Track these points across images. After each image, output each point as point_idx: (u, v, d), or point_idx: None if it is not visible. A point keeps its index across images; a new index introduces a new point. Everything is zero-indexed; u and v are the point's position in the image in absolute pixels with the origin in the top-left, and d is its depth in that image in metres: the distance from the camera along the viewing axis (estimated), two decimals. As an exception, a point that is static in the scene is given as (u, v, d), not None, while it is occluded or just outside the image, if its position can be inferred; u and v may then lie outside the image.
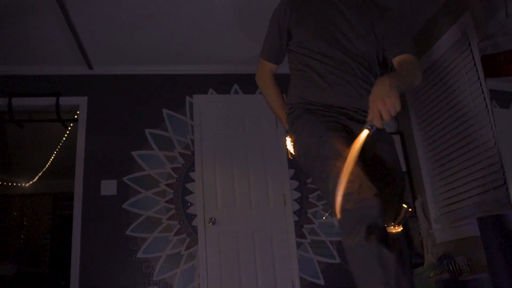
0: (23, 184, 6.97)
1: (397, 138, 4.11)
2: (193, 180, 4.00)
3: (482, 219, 2.81)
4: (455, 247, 3.40)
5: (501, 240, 2.70)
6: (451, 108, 3.50)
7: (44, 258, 7.06)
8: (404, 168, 4.02)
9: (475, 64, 3.18)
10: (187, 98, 4.25)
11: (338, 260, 3.95)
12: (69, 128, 4.64)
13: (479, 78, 3.11)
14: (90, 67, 4.16)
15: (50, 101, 4.08)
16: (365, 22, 1.82)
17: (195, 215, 3.90)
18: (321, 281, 3.87)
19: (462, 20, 3.26)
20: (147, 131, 4.10)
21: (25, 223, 7.26)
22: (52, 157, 5.83)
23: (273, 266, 3.88)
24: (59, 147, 5.51)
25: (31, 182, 6.88)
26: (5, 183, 6.78)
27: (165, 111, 4.17)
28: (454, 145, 3.48)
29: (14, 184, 6.95)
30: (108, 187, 3.91)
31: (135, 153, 4.03)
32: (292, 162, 4.16)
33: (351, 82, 1.74)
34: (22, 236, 7.10)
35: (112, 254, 3.74)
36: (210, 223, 3.86)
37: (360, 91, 1.74)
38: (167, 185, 3.96)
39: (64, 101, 4.11)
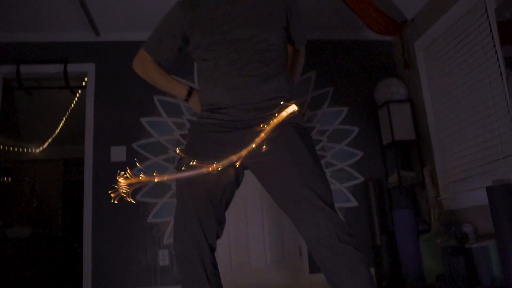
0: (34, 150, 7.04)
1: (406, 106, 4.06)
2: (202, 147, 4.01)
3: (491, 188, 2.81)
4: (462, 215, 3.42)
5: (509, 209, 2.71)
6: (464, 75, 3.44)
7: (56, 221, 7.22)
8: (413, 136, 4.00)
9: (491, 30, 3.10)
10: (195, 63, 4.20)
11: (345, 227, 3.99)
12: (77, 94, 4.64)
13: (494, 46, 3.04)
14: (97, 34, 4.12)
15: (58, 68, 4.06)
16: (267, 10, 1.72)
17: (204, 182, 3.93)
18: (328, 247, 3.93)
19: (479, -16, 3.16)
20: (155, 97, 4.09)
21: (36, 188, 7.37)
22: (61, 124, 5.86)
23: (281, 231, 3.94)
24: (67, 113, 5.52)
25: (41, 148, 6.94)
26: (15, 149, 6.85)
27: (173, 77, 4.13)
28: (465, 113, 3.44)
29: (25, 150, 7.02)
30: (118, 154, 3.94)
31: (143, 120, 4.04)
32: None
33: (246, 77, 1.63)
34: (35, 201, 7.23)
35: (123, 219, 3.81)
36: (219, 190, 3.89)
37: (257, 84, 1.64)
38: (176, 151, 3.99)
39: (72, 68, 4.09)
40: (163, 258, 3.75)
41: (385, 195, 4.03)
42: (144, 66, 1.91)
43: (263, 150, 1.41)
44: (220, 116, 1.65)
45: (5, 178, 6.71)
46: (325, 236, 1.44)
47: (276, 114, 1.42)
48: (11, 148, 6.64)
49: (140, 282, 3.70)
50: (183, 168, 1.49)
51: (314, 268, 3.85)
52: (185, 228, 1.57)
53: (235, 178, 1.65)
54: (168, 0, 3.60)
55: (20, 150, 6.95)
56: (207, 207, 1.58)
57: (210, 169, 1.41)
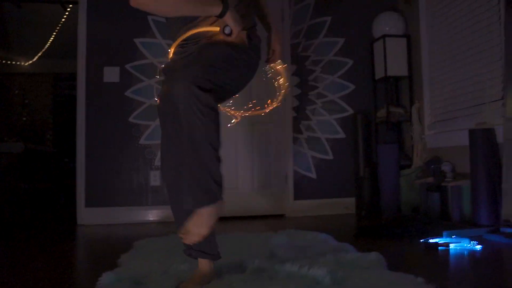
0: (23, 63, 6.93)
1: (403, 41, 4.04)
2: (195, 72, 4.00)
3: (474, 131, 2.93)
4: (443, 154, 3.57)
5: (487, 152, 2.84)
6: (463, 15, 3.40)
7: (48, 136, 7.31)
8: (406, 73, 4.04)
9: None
10: None
11: (331, 157, 4.15)
12: (68, 9, 4.50)
13: (496, -14, 2.99)
14: None
15: (48, -20, 3.91)
16: None
17: (196, 107, 3.98)
18: (313, 175, 4.11)
19: None
20: (150, 18, 3.99)
21: (26, 101, 7.36)
22: (51, 38, 5.72)
23: (269, 158, 4.09)
24: (58, 28, 5.38)
25: (30, 62, 6.83)
26: (3, 61, 6.73)
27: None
28: (460, 54, 3.46)
29: (14, 62, 6.90)
30: (111, 74, 3.93)
31: (137, 40, 3.98)
32: (295, 58, 4.14)
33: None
34: (25, 114, 7.25)
35: (116, 140, 3.90)
36: (211, 116, 3.96)
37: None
38: (169, 75, 3.98)
39: (63, -19, 3.94)
40: (155, 178, 3.90)
41: (372, 128, 4.14)
42: None
43: None
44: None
45: (-6, 90, 6.68)
46: None
47: None
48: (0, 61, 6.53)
49: (132, 201, 3.87)
50: None
51: (298, 195, 4.05)
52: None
53: None
54: None
55: (9, 62, 6.83)
56: None
57: None
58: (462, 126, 3.31)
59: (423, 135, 3.84)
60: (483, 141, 2.85)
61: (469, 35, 3.34)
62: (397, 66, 4.02)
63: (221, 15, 1.51)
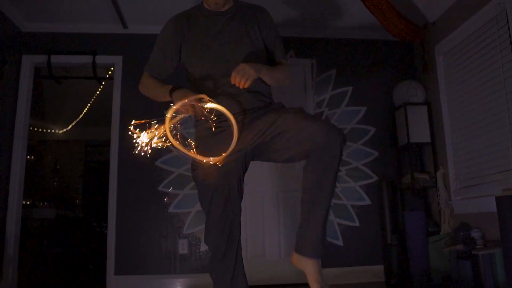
0: (57, 131, 7.28)
1: (424, 109, 4.15)
2: (222, 141, 4.16)
3: (501, 198, 2.93)
4: (472, 220, 3.54)
5: (517, 221, 2.82)
6: (482, 83, 3.51)
7: (77, 202, 7.50)
8: (428, 139, 4.10)
9: (511, 42, 3.17)
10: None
11: (357, 223, 4.15)
12: (103, 83, 4.80)
13: (513, 58, 3.11)
14: (125, 26, 4.25)
15: (86, 59, 4.22)
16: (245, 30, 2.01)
17: (223, 175, 4.10)
18: (340, 242, 4.10)
19: (502, -4, 3.20)
20: (179, 91, 4.22)
21: (58, 167, 7.64)
22: (86, 109, 6.05)
23: (295, 225, 4.08)
24: (92, 100, 5.70)
25: (64, 130, 7.18)
26: (40, 130, 7.09)
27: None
28: (481, 121, 3.53)
29: (49, 130, 7.27)
30: (142, 145, 4.10)
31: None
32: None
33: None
34: (56, 179, 7.50)
35: (146, 208, 4.01)
36: (238, 183, 4.06)
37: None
38: (198, 145, 4.14)
39: (100, 59, 4.25)
40: (183, 247, 3.95)
41: (397, 195, 4.15)
42: (147, 84, 2.13)
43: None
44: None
45: (29, 157, 6.96)
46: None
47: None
48: (35, 129, 6.88)
49: (160, 269, 3.91)
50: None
51: (325, 262, 4.01)
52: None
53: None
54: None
55: (44, 130, 7.19)
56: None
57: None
58: (489, 192, 3.32)
59: (450, 201, 3.83)
60: (511, 208, 2.85)
61: (488, 102, 3.43)
62: (419, 133, 4.10)
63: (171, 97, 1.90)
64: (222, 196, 1.89)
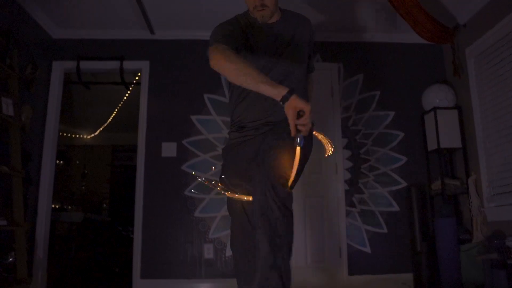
0: (85, 136, 7.42)
1: (454, 113, 4.04)
2: (248, 146, 4.14)
3: (539, 206, 2.81)
4: (506, 228, 3.42)
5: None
6: (515, 86, 3.41)
7: (104, 206, 7.61)
8: (459, 144, 3.99)
9: (546, 43, 3.06)
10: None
11: (385, 230, 4.06)
12: (130, 89, 4.86)
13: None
14: (152, 32, 4.29)
15: (114, 64, 4.28)
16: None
17: (249, 180, 4.08)
18: (368, 249, 4.01)
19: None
20: (205, 96, 4.24)
21: (86, 171, 7.77)
22: (113, 114, 6.14)
23: (322, 232, 4.05)
24: (120, 105, 5.79)
25: (92, 135, 7.30)
26: (68, 135, 7.24)
27: (223, 77, 4.28)
28: (515, 126, 3.41)
29: (77, 135, 7.41)
30: (169, 149, 4.14)
31: (194, 117, 4.20)
32: (346, 131, 4.22)
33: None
34: (84, 184, 7.63)
35: (171, 212, 4.02)
36: (263, 188, 4.02)
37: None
38: (224, 149, 4.14)
39: (127, 65, 4.30)
40: (208, 251, 3.94)
41: (427, 201, 4.05)
42: (225, 55, 1.68)
43: None
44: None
45: (58, 161, 7.11)
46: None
47: None
48: (64, 134, 7.03)
49: (186, 273, 3.90)
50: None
51: (353, 270, 3.95)
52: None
53: None
54: (218, 1, 3.76)
55: (72, 135, 7.33)
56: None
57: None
58: (525, 199, 3.20)
59: (482, 208, 3.71)
60: (550, 218, 2.73)
61: (525, 107, 3.32)
62: (449, 138, 3.99)
63: (283, 100, 1.51)
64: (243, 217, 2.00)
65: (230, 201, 2.05)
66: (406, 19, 3.59)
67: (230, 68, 1.65)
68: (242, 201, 1.94)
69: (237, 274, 2.02)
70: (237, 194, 1.96)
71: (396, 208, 4.11)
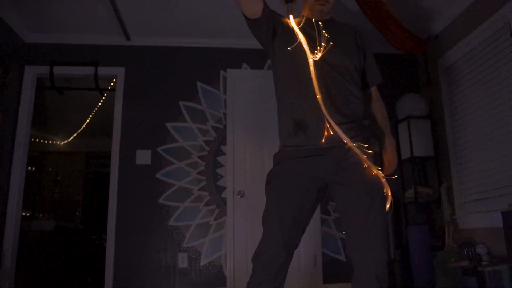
0: (58, 142, 7.26)
1: (427, 122, 4.12)
2: (224, 154, 4.13)
3: (507, 213, 2.88)
4: (477, 236, 3.48)
5: (524, 237, 2.77)
6: (485, 97, 3.49)
7: (77, 213, 7.45)
8: (432, 153, 4.06)
9: (514, 55, 3.15)
10: (221, 72, 4.32)
11: (360, 238, 4.08)
12: (105, 95, 4.79)
13: (517, 72, 3.09)
14: (128, 38, 4.25)
15: (89, 70, 4.21)
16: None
17: (224, 187, 4.06)
18: (343, 257, 4.03)
19: (505, 9, 3.19)
20: (181, 103, 4.21)
21: (58, 178, 7.61)
22: (87, 121, 6.04)
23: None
24: (94, 111, 5.69)
25: (66, 141, 7.16)
26: (41, 141, 7.08)
27: (199, 84, 4.26)
28: (485, 135, 3.50)
29: (50, 142, 7.25)
30: (143, 156, 4.08)
31: (169, 125, 4.17)
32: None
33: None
34: (57, 191, 7.47)
35: (145, 220, 3.96)
36: (239, 196, 4.02)
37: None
38: (199, 157, 4.11)
39: (102, 70, 4.24)
40: (183, 260, 3.89)
41: (401, 209, 4.10)
42: None
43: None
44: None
45: (29, 168, 6.93)
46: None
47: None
48: (36, 139, 6.87)
49: (160, 283, 3.84)
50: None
51: (328, 278, 3.95)
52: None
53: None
54: (196, 9, 3.75)
55: (45, 141, 7.17)
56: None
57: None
58: (495, 207, 3.27)
59: (454, 216, 3.78)
60: (518, 225, 2.80)
61: (492, 116, 3.41)
62: (423, 147, 4.06)
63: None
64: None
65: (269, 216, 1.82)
66: (380, 29, 3.65)
67: None
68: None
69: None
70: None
71: (370, 216, 4.14)
